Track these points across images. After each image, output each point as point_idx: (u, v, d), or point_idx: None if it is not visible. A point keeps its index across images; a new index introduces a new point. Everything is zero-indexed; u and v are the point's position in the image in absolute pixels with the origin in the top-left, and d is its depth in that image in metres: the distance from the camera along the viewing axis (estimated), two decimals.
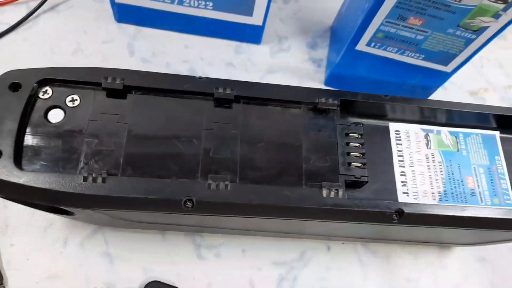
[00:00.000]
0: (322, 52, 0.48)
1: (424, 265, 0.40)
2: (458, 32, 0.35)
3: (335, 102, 0.31)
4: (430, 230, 0.32)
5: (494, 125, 0.34)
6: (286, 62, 0.47)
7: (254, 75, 0.45)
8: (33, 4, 0.44)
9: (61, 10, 0.45)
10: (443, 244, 0.40)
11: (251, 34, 0.46)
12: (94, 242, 0.36)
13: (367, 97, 0.32)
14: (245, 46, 0.47)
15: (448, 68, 0.40)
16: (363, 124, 0.31)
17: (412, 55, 0.39)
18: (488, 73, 0.51)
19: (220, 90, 0.30)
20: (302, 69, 0.47)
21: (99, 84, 0.29)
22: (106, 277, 0.35)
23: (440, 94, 0.45)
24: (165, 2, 0.41)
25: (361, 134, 0.31)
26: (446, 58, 0.39)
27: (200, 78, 0.31)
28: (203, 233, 0.37)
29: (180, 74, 0.32)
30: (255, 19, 0.43)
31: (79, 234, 0.36)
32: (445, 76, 0.42)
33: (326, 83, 0.46)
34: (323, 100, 0.31)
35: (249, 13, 0.42)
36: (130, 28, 0.45)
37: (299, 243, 0.39)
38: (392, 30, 0.36)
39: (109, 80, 0.29)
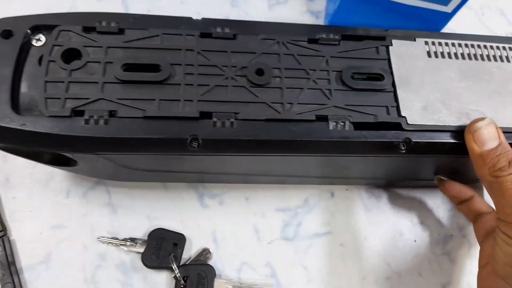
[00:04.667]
0: (321, 4, 0.47)
1: (430, 206, 0.39)
2: None
3: (337, 37, 0.31)
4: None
5: None
6: (284, 15, 0.46)
7: None
8: None
9: None
10: None
11: None
12: (97, 194, 0.36)
13: (368, 32, 0.32)
14: None
15: (448, 8, 0.39)
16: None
17: None
18: (489, 21, 0.50)
19: (219, 30, 0.29)
20: (300, 21, 0.46)
21: (94, 29, 0.28)
22: (110, 227, 0.35)
23: None
24: None
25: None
26: None
27: (197, 19, 0.31)
28: (205, 183, 0.37)
29: (176, 16, 0.31)
30: None
31: (81, 186, 0.36)
32: (446, 18, 0.41)
33: None
34: (324, 35, 0.30)
35: None
36: None
37: (302, 190, 0.38)
38: None
39: (104, 24, 0.28)
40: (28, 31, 0.28)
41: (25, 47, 0.27)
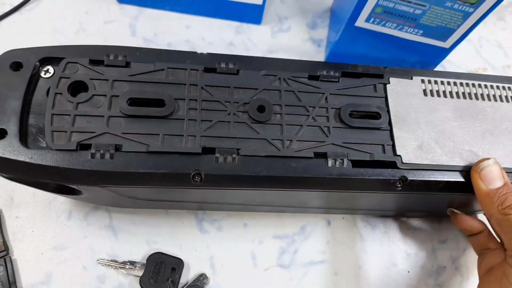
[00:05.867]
0: (322, 32, 0.49)
1: (424, 238, 0.40)
2: (456, 6, 0.35)
3: (336, 74, 0.32)
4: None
5: None
6: (287, 42, 0.47)
7: (254, 54, 0.46)
8: None
9: None
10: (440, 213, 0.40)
11: (251, 14, 0.46)
12: (98, 216, 0.36)
13: (367, 69, 0.33)
14: (245, 26, 0.47)
15: (446, 44, 0.40)
16: None
17: (411, 30, 0.39)
18: (487, 53, 0.51)
19: (223, 65, 0.30)
20: (302, 48, 0.47)
21: (101, 62, 0.29)
22: (110, 249, 0.35)
23: None
24: None
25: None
26: (444, 33, 0.39)
27: (202, 54, 0.31)
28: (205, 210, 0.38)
29: (182, 50, 0.32)
30: None
31: (82, 208, 0.36)
32: (444, 53, 0.42)
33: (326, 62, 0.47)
34: (324, 72, 0.31)
35: None
36: (132, 9, 0.46)
37: (299, 218, 0.39)
38: (391, 5, 0.36)
39: (111, 57, 0.29)
40: (37, 63, 0.28)
41: (34, 79, 0.28)
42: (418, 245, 0.40)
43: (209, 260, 0.36)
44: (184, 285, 0.35)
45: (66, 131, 0.26)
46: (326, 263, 0.38)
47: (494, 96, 0.33)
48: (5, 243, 0.34)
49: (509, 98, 0.33)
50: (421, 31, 0.39)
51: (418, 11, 0.37)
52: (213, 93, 0.29)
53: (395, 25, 0.39)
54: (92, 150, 0.26)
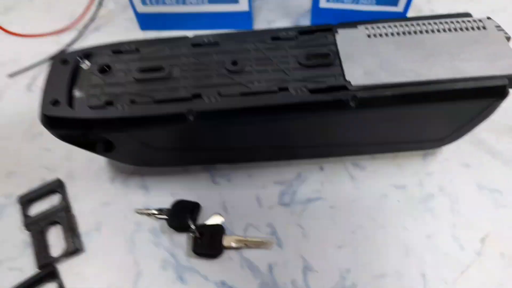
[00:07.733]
0: None
1: (410, 172, 0.45)
2: None
3: (294, 33, 0.40)
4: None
5: None
6: None
7: None
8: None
9: (102, 29, 0.61)
10: (421, 146, 0.46)
11: (243, 20, 0.57)
12: (134, 179, 0.46)
13: (318, 27, 0.41)
14: None
15: (399, 8, 0.48)
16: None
17: (365, 1, 0.48)
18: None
19: (206, 40, 0.41)
20: None
21: (120, 51, 0.41)
22: (144, 202, 0.45)
23: None
24: (172, 5, 0.55)
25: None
26: None
27: (191, 37, 0.42)
28: (216, 166, 0.47)
29: (176, 36, 0.42)
30: (242, 6, 0.54)
31: (123, 174, 0.47)
32: (401, 16, 0.49)
33: None
34: (284, 33, 0.40)
35: (236, 1, 0.54)
36: (152, 33, 0.59)
37: (295, 167, 0.46)
38: None
39: (126, 47, 0.41)
40: (78, 58, 0.41)
41: (76, 68, 0.40)
42: (405, 179, 0.45)
43: (221, 205, 0.44)
44: (203, 223, 0.43)
45: (97, 95, 0.37)
46: (322, 199, 0.44)
47: (431, 29, 0.39)
48: (67, 203, 0.45)
49: (446, 29, 0.39)
50: (374, 1, 0.47)
51: None
52: (199, 59, 0.39)
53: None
54: (115, 104, 0.37)
